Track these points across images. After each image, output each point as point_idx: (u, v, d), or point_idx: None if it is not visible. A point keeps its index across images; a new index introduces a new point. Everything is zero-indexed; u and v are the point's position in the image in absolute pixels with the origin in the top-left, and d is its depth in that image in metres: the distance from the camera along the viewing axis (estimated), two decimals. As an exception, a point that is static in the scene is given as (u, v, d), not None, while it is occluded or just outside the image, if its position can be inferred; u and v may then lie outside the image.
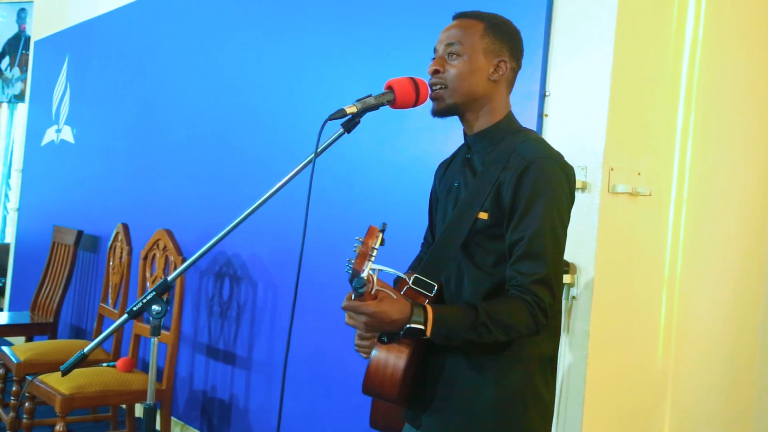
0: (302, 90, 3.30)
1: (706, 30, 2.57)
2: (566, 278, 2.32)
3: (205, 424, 3.68)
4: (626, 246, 2.40)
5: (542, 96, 2.44)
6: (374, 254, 1.43)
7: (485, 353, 1.60)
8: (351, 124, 1.61)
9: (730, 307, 2.83)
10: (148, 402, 1.65)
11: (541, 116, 2.45)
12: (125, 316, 1.62)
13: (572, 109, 2.37)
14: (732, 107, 2.76)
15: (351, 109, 1.59)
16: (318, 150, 1.56)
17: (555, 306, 1.59)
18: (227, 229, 1.63)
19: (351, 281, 1.45)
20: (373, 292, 1.47)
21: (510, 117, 1.73)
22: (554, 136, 2.41)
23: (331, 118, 1.56)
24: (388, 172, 2.88)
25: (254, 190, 3.41)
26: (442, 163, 1.91)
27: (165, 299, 1.64)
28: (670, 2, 2.49)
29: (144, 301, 1.61)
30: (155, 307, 1.62)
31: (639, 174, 2.40)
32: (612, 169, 2.30)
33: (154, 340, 1.64)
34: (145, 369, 3.98)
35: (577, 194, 2.32)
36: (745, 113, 2.82)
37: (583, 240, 2.30)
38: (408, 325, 1.49)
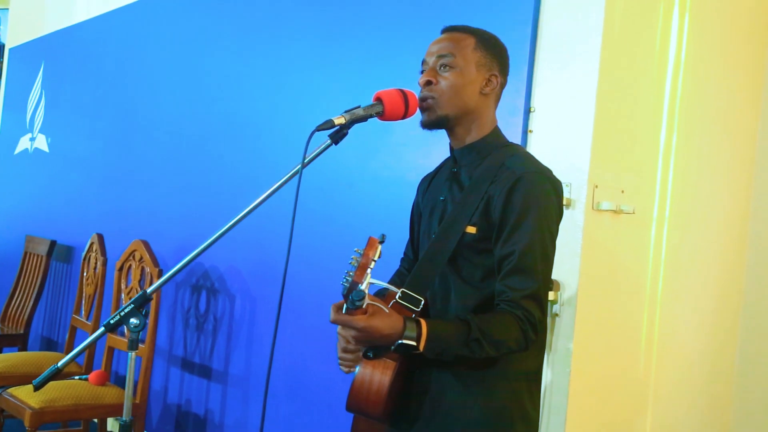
0: (284, 100, 3.25)
1: (689, 49, 2.57)
2: (549, 295, 2.29)
3: (178, 439, 3.59)
4: (609, 263, 2.38)
5: (527, 112, 2.42)
6: (372, 266, 1.38)
7: (472, 369, 1.57)
8: (339, 135, 1.57)
9: (710, 323, 2.83)
10: (123, 418, 1.59)
11: (526, 132, 2.42)
12: (101, 329, 1.56)
13: (557, 125, 2.35)
14: (714, 127, 2.76)
15: (339, 120, 1.55)
16: (305, 161, 1.52)
17: (544, 321, 1.56)
18: (209, 241, 1.58)
19: (346, 294, 1.41)
20: (364, 306, 1.42)
21: (497, 131, 1.70)
22: (539, 152, 2.39)
23: (319, 128, 1.52)
24: (371, 185, 2.83)
25: (234, 201, 3.35)
26: (426, 177, 1.88)
27: (143, 312, 1.58)
28: (655, 22, 2.49)
29: (122, 314, 1.56)
30: (133, 321, 1.56)
31: (623, 192, 2.39)
32: (596, 187, 2.28)
33: (132, 355, 1.58)
34: (118, 382, 3.89)
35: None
36: (726, 132, 2.83)
37: (566, 257, 2.28)
38: (400, 341, 1.44)
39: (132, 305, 1.55)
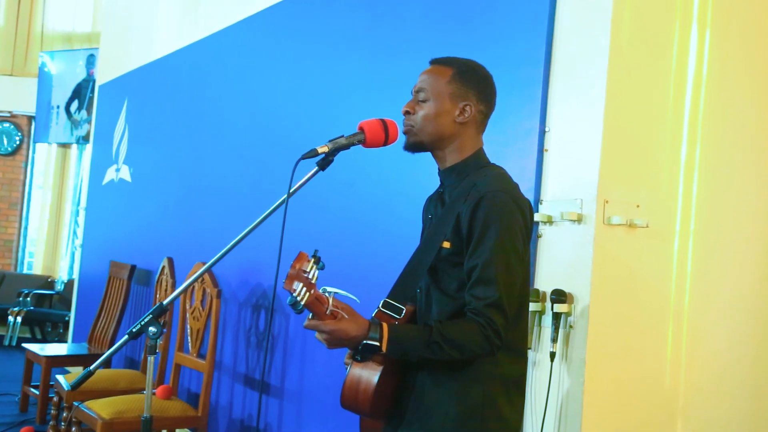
0: (339, 129, 3.53)
1: (711, 64, 2.67)
2: (563, 307, 2.45)
3: (241, 451, 3.90)
4: (625, 276, 2.50)
5: (542, 132, 2.60)
6: (310, 277, 1.61)
7: (448, 371, 1.77)
8: (324, 162, 1.82)
9: (747, 333, 2.85)
10: (145, 414, 1.87)
11: (541, 151, 2.60)
12: (125, 336, 1.85)
13: (570, 144, 2.52)
14: (744, 140, 2.82)
15: (323, 149, 1.80)
16: (291, 190, 1.77)
17: (513, 328, 1.74)
18: (206, 266, 1.87)
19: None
20: (328, 312, 1.66)
21: (478, 154, 1.89)
22: (554, 170, 2.56)
23: (304, 157, 1.78)
24: (409, 204, 3.06)
25: (289, 225, 3.65)
26: (428, 197, 2.10)
27: (161, 322, 1.87)
28: (668, 40, 2.60)
29: (142, 323, 1.84)
30: (152, 329, 1.84)
31: (638, 206, 2.51)
32: (607, 202, 2.43)
33: (151, 359, 1.87)
34: (185, 397, 4.25)
35: (573, 226, 2.46)
36: (758, 145, 2.88)
37: (578, 270, 2.43)
38: (364, 342, 1.67)
39: (150, 316, 1.84)
